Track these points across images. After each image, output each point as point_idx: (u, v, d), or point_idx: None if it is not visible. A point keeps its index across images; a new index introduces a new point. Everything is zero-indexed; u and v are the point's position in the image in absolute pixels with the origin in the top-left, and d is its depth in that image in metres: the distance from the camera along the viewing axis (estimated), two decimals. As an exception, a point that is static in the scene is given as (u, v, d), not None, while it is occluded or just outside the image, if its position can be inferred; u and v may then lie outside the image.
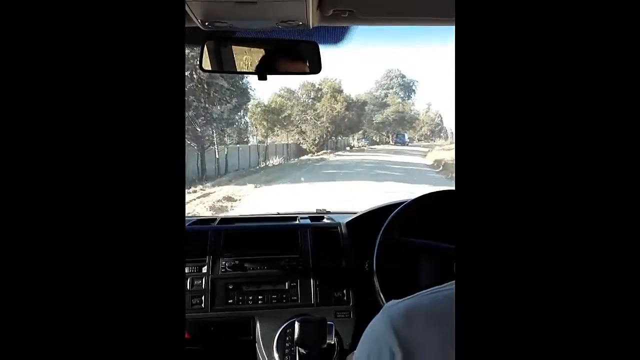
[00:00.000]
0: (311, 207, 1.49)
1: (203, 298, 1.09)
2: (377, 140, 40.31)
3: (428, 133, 49.66)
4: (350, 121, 25.25)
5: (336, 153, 23.76)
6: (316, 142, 23.98)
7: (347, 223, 1.22)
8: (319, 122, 23.56)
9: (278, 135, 23.29)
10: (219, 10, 0.66)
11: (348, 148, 30.57)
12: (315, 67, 0.91)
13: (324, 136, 24.56)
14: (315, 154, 22.85)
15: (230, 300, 1.10)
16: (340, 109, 23.62)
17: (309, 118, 23.48)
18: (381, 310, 0.39)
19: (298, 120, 23.23)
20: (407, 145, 39.74)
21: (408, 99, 46.12)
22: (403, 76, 46.82)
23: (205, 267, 1.12)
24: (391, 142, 41.42)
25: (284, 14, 0.66)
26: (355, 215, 1.25)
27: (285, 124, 22.17)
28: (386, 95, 41.10)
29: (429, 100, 63.12)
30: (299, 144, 23.77)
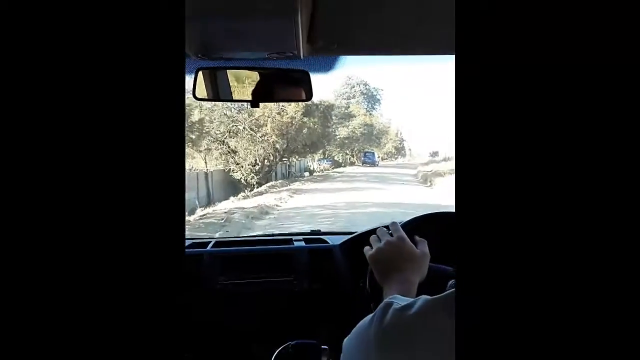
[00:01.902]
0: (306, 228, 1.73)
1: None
2: (341, 161, 31.61)
3: (393, 150, 42.89)
4: (312, 133, 15.85)
5: (292, 187, 14.06)
6: (257, 168, 14.28)
7: (341, 244, 1.24)
8: (259, 135, 13.93)
9: (190, 158, 13.23)
10: (210, 42, 0.68)
11: (307, 174, 21.24)
12: (307, 94, 0.93)
13: (271, 158, 14.97)
14: (254, 190, 13.14)
15: (225, 324, 1.11)
16: (295, 113, 14.22)
17: (241, 129, 13.80)
18: (380, 307, 0.42)
19: (223, 133, 13.48)
20: (377, 165, 31.82)
21: (373, 110, 38.20)
22: (365, 83, 38.95)
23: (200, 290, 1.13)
24: (357, 163, 33.20)
25: (274, 45, 0.68)
26: (349, 237, 1.27)
27: (194, 137, 12.18)
28: (348, 106, 32.50)
29: (388, 114, 57.03)
30: (228, 171, 13.93)
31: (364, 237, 0.91)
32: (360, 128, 29.62)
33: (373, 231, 0.81)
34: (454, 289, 0.39)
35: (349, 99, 36.67)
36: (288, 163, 20.17)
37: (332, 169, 26.58)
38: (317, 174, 22.16)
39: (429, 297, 0.40)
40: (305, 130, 15.38)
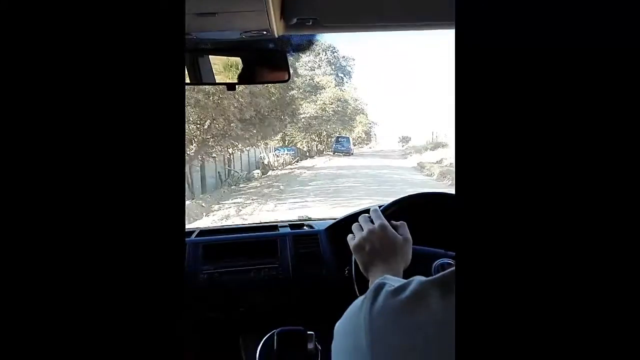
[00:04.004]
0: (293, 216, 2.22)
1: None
2: (306, 150, 23.75)
3: (363, 135, 36.15)
4: (260, 98, 7.63)
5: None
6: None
7: (327, 229, 1.21)
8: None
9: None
10: None
11: (258, 173, 13.12)
12: (284, 74, 0.92)
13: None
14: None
15: (211, 315, 1.07)
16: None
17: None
18: (371, 288, 0.41)
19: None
20: (352, 154, 24.61)
21: (343, 85, 30.43)
22: (333, 50, 31.00)
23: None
24: (327, 151, 25.72)
25: (247, 24, 0.67)
26: (334, 221, 1.24)
27: None
28: (312, 77, 24.33)
29: (362, 90, 49.86)
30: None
31: (349, 221, 0.84)
32: (332, 104, 21.79)
33: (358, 214, 0.78)
34: (448, 270, 0.37)
35: (313, 70, 28.63)
36: (228, 156, 12.08)
37: (296, 162, 18.56)
38: (275, 172, 14.02)
39: (423, 278, 0.39)
40: (239, 96, 7.19)
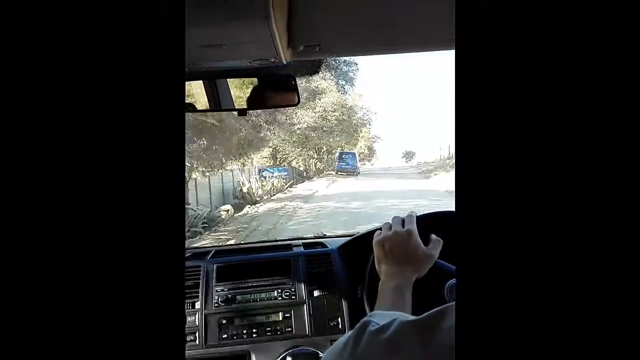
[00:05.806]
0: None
1: (197, 335, 1.06)
2: (304, 170, 19.18)
3: (366, 151, 32.04)
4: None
5: None
6: None
7: (340, 247, 1.21)
8: None
9: None
10: (189, 54, 0.71)
11: (228, 210, 8.46)
12: (295, 98, 0.94)
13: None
14: None
15: (225, 335, 1.07)
16: None
17: None
18: (357, 327, 0.42)
19: None
20: (359, 173, 20.13)
21: (345, 93, 26.05)
22: (333, 53, 26.65)
23: (199, 302, 1.09)
24: (328, 170, 21.27)
25: (254, 53, 0.70)
26: (347, 239, 1.23)
27: None
28: (309, 82, 19.81)
29: (368, 98, 45.71)
30: None
31: (362, 239, 0.86)
32: (334, 111, 17.28)
33: (371, 233, 0.82)
34: (431, 311, 0.37)
35: (310, 75, 24.20)
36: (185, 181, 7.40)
37: (289, 186, 13.85)
38: (254, 208, 9.30)
39: (405, 318, 0.39)
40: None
